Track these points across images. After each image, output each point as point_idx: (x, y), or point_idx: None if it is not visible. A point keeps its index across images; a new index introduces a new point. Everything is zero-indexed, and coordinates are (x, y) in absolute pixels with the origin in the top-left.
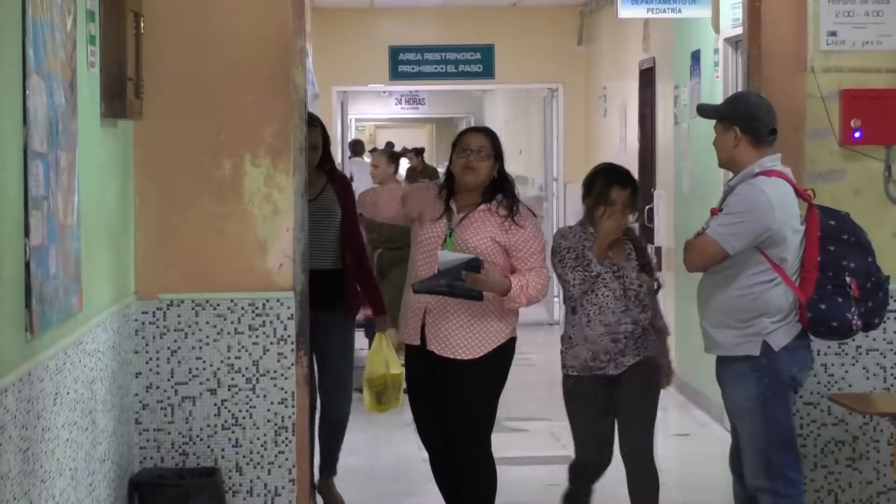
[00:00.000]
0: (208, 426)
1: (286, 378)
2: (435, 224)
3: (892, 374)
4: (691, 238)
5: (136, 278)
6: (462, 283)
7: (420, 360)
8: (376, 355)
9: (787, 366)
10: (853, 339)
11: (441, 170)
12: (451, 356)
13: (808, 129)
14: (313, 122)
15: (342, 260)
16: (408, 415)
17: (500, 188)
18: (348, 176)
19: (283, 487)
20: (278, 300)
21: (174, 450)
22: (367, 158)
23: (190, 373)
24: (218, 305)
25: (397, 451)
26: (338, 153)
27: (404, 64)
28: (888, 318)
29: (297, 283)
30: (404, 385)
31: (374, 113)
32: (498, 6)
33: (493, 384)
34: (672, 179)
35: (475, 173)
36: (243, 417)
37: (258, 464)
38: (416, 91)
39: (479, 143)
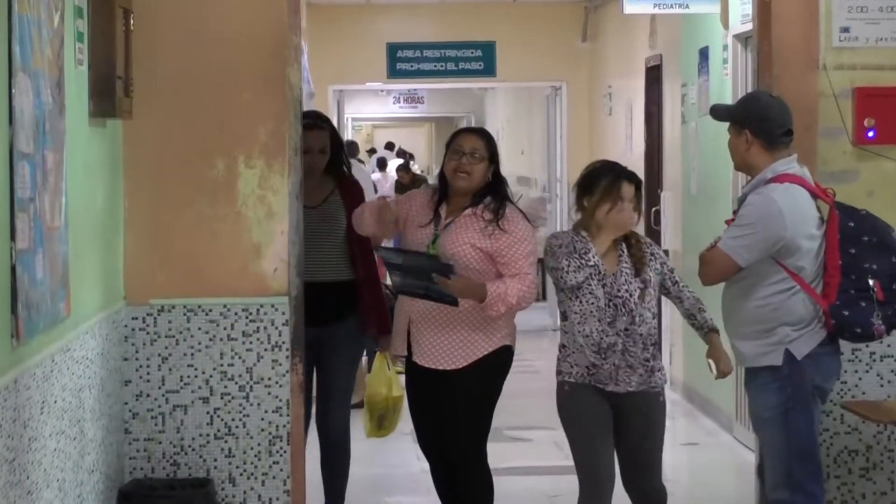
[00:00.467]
0: (200, 435)
1: (281, 386)
2: (422, 230)
3: None
4: (704, 251)
5: (126, 283)
6: (437, 286)
7: (413, 371)
8: (378, 377)
9: (811, 375)
10: (867, 346)
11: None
12: (433, 366)
13: (820, 128)
14: (321, 124)
15: (354, 271)
16: (406, 424)
17: (494, 191)
18: None
19: (277, 499)
20: (273, 305)
21: (165, 460)
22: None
23: (181, 380)
24: (210, 311)
25: (395, 460)
26: None
27: (403, 61)
28: None
29: (292, 287)
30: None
31: (372, 112)
32: (499, 2)
33: (482, 395)
34: (679, 180)
35: (468, 177)
36: (236, 426)
37: (252, 474)
38: (415, 89)
39: (472, 144)
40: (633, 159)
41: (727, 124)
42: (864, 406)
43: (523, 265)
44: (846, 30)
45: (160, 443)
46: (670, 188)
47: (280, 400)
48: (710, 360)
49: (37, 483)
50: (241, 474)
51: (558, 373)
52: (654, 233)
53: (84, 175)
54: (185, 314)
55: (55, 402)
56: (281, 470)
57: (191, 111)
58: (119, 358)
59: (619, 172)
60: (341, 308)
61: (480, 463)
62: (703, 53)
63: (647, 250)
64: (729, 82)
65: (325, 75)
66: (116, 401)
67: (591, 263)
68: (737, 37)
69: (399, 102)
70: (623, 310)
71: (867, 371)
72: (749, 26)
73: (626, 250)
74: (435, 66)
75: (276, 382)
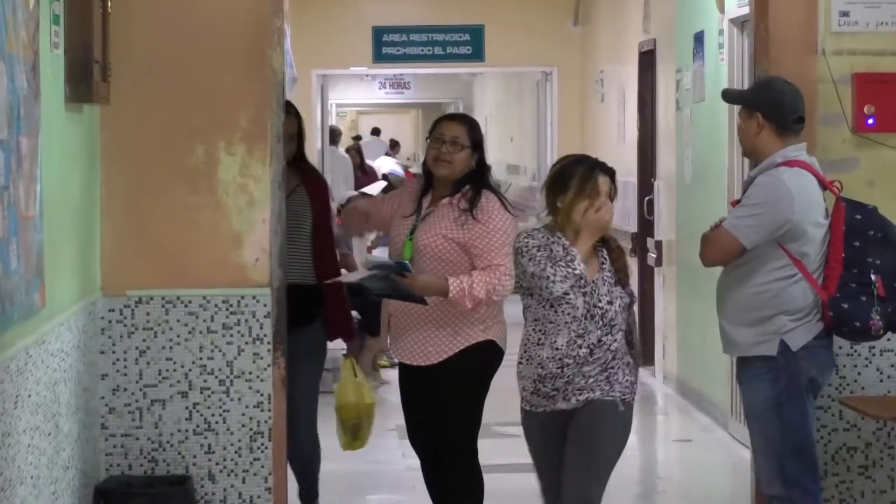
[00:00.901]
0: (179, 431)
1: (262, 380)
2: (405, 221)
3: None
4: (707, 231)
5: (103, 273)
6: (402, 285)
7: (401, 366)
8: (346, 386)
9: (806, 367)
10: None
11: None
12: (410, 363)
13: (819, 115)
14: (289, 109)
15: (316, 273)
16: (390, 420)
17: (474, 179)
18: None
19: (258, 497)
20: (254, 297)
21: (143, 456)
22: (341, 150)
23: (159, 374)
24: (189, 302)
25: (380, 456)
26: (316, 141)
27: (388, 45)
28: None
29: (273, 278)
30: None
31: (357, 98)
32: None
33: (462, 391)
34: (673, 169)
35: (449, 165)
36: (216, 422)
37: (232, 471)
38: (401, 74)
39: (453, 132)
40: (626, 147)
41: (724, 111)
42: (863, 402)
43: (495, 257)
44: (846, 14)
45: (138, 438)
46: (664, 177)
47: (261, 395)
48: None
49: (10, 480)
50: (221, 471)
51: (522, 399)
52: (647, 223)
53: (60, 162)
54: (163, 306)
55: (29, 396)
56: (262, 467)
57: (170, 96)
58: (95, 351)
59: (592, 164)
60: (305, 313)
61: (469, 460)
62: (699, 38)
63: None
64: (725, 68)
65: (309, 59)
66: (93, 395)
67: (577, 272)
68: (733, 21)
69: (385, 88)
70: (600, 322)
71: (866, 366)
72: (746, 10)
73: (607, 257)
74: (422, 50)
75: (258, 377)
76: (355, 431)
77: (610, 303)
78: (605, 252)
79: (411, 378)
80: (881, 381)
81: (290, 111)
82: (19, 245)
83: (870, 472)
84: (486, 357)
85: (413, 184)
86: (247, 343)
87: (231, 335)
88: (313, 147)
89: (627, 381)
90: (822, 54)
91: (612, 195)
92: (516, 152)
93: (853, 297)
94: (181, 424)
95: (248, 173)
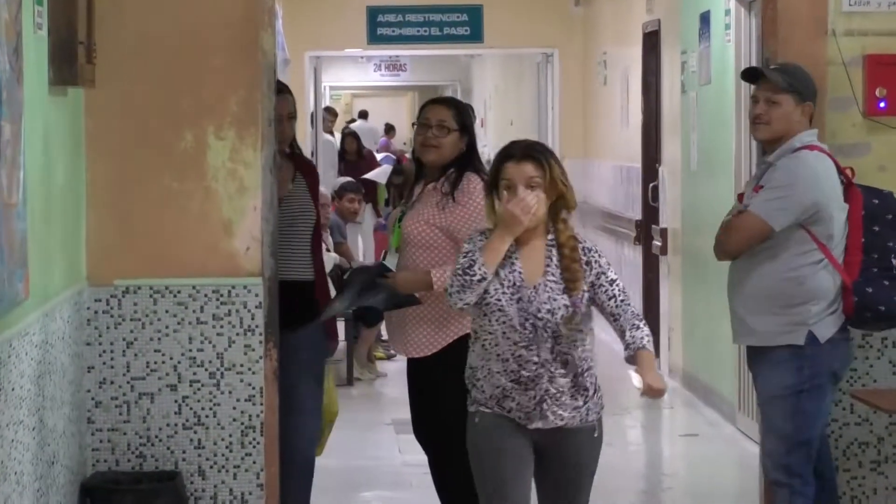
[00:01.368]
0: (168, 426)
1: (254, 373)
2: (398, 210)
3: None
4: (729, 218)
5: (88, 262)
6: (395, 295)
7: (408, 360)
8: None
9: (829, 360)
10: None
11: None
12: (405, 354)
13: (829, 98)
14: (284, 88)
15: (315, 268)
16: (386, 414)
17: (464, 163)
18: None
19: (250, 493)
20: (245, 287)
21: (130, 451)
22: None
23: (147, 367)
24: (178, 292)
25: (376, 452)
26: (307, 125)
27: (384, 26)
28: None
29: (265, 267)
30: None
31: (351, 80)
32: None
33: (459, 381)
34: (679, 154)
35: (436, 150)
36: (206, 416)
37: (223, 467)
38: (397, 56)
39: (439, 115)
40: (630, 131)
41: (731, 94)
42: (875, 395)
43: None
44: None
45: (125, 433)
46: (669, 163)
47: (253, 388)
48: (638, 376)
49: None
50: (211, 467)
51: (469, 403)
52: (651, 210)
53: (43, 147)
54: (151, 296)
55: (13, 389)
56: (254, 462)
57: (157, 79)
58: (81, 343)
59: (504, 153)
60: (306, 312)
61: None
62: (704, 18)
63: (583, 258)
64: (731, 49)
65: (301, 41)
66: (78, 388)
67: (477, 278)
68: (740, 0)
69: (380, 70)
70: (545, 333)
71: (878, 358)
72: None
73: (554, 258)
74: (418, 31)
75: (249, 369)
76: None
77: (552, 312)
78: (554, 252)
79: (412, 370)
80: (894, 373)
81: (283, 90)
82: (1, 234)
83: (882, 467)
84: None
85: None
86: (238, 334)
87: (221, 326)
88: (304, 132)
89: (598, 395)
90: (832, 35)
91: (549, 180)
92: (516, 137)
93: (876, 281)
94: (170, 419)
95: (239, 159)
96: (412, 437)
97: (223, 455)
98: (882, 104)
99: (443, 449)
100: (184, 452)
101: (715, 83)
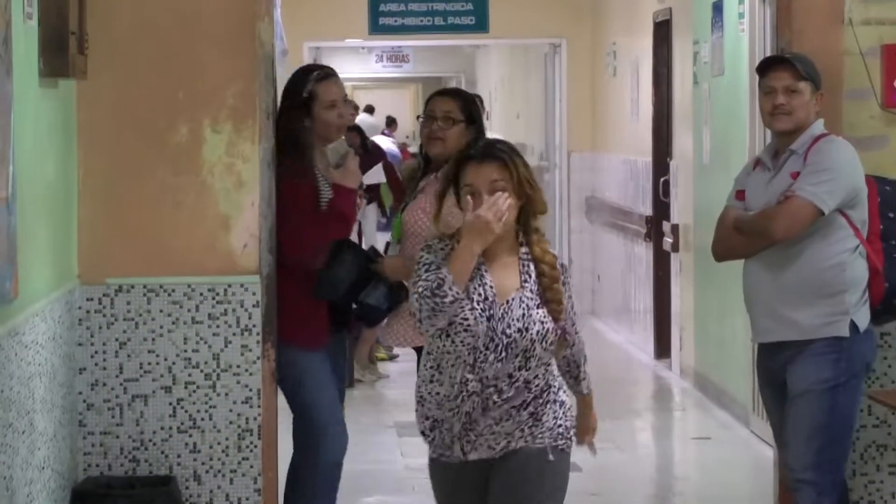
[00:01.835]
0: (162, 429)
1: (251, 374)
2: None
3: None
4: (775, 206)
5: (80, 260)
6: (392, 288)
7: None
8: None
9: (863, 351)
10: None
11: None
12: (399, 346)
13: (846, 89)
14: (330, 73)
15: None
16: (389, 416)
17: None
18: None
19: (247, 498)
20: (242, 285)
21: (123, 456)
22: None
23: (141, 368)
24: (173, 291)
25: (378, 456)
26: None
27: (386, 16)
28: None
29: (263, 265)
30: None
31: (352, 72)
32: None
33: None
34: (690, 147)
35: (442, 143)
36: (202, 419)
37: (219, 471)
38: (400, 47)
39: (444, 107)
40: (640, 124)
41: (745, 86)
42: (894, 396)
43: None
44: None
45: (118, 437)
46: (680, 157)
47: (250, 389)
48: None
49: None
50: (207, 471)
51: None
52: (662, 206)
53: (34, 141)
54: (145, 294)
55: (1, 391)
56: (251, 467)
57: (151, 70)
58: (72, 343)
59: (462, 154)
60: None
61: None
62: (717, 7)
63: (561, 276)
64: (745, 39)
65: (300, 31)
66: (69, 390)
67: (449, 299)
68: None
69: (382, 61)
70: (507, 352)
71: None
72: None
73: (533, 273)
74: (421, 20)
75: (246, 370)
76: None
77: (522, 331)
78: (531, 266)
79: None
80: None
81: (331, 73)
82: None
83: None
84: None
85: (413, 163)
86: (234, 334)
87: (217, 326)
88: None
89: (560, 425)
90: (848, 24)
91: (516, 184)
92: (522, 130)
93: None
94: (164, 421)
95: (236, 152)
96: (414, 440)
97: (219, 459)
98: None
99: None
100: (178, 456)
101: (728, 74)
